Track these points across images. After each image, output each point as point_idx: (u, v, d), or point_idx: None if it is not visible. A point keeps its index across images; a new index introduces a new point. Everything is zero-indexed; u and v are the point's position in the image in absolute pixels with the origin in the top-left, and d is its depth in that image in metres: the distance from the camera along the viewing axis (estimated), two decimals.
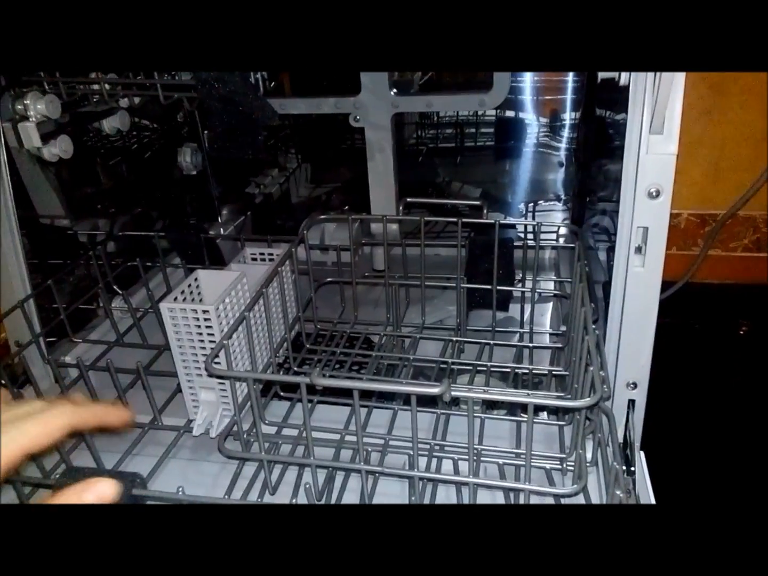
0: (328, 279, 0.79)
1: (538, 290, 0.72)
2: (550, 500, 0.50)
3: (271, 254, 0.72)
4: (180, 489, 0.44)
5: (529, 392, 0.62)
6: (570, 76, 0.97)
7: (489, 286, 0.72)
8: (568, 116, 1.01)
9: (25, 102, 0.69)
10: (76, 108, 0.79)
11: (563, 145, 1.03)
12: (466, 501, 0.49)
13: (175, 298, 0.58)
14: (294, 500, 0.51)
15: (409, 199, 0.78)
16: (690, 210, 1.18)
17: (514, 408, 0.63)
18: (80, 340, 0.76)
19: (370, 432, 0.58)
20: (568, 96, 1.00)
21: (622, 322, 0.54)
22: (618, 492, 0.42)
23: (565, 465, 0.53)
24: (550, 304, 0.87)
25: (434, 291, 0.84)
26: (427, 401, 0.60)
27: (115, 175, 0.92)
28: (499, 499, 0.51)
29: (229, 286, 0.59)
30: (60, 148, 0.73)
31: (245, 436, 0.54)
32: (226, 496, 0.51)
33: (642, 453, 0.54)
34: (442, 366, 0.68)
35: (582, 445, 0.48)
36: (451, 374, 0.68)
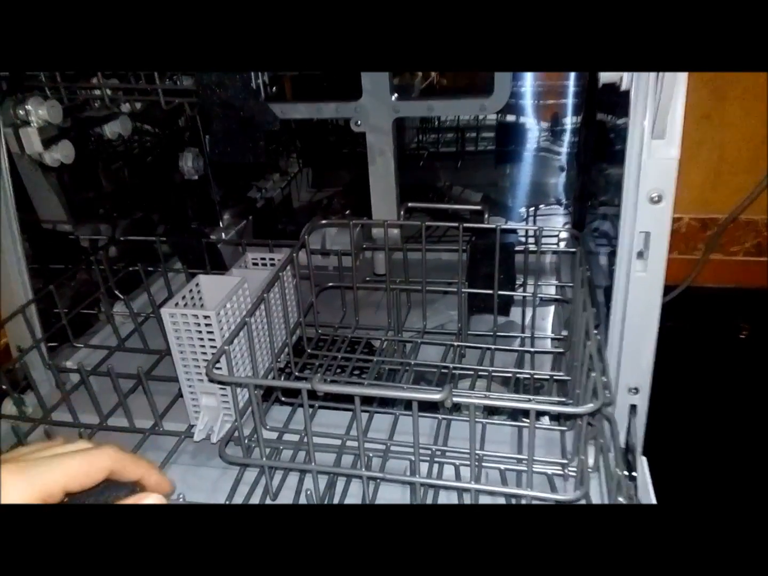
0: (330, 284, 0.79)
1: (539, 295, 0.72)
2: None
3: (273, 259, 0.72)
4: (181, 495, 0.44)
5: (531, 397, 0.62)
6: (571, 81, 0.98)
7: (490, 291, 0.72)
8: (569, 120, 1.01)
9: (26, 107, 0.69)
10: (78, 113, 0.79)
11: (564, 150, 1.04)
12: None
13: (176, 304, 0.58)
14: None
15: (410, 204, 0.78)
16: (691, 214, 1.19)
17: (515, 413, 0.63)
18: (81, 345, 0.76)
19: (371, 437, 0.58)
20: (569, 100, 1.00)
21: (623, 327, 0.54)
22: (620, 498, 0.42)
23: (566, 470, 0.53)
24: (552, 309, 0.87)
25: (435, 295, 0.84)
26: (429, 406, 0.60)
27: (117, 180, 0.92)
28: None
29: (230, 292, 0.59)
30: (61, 153, 0.73)
31: (246, 441, 0.54)
32: (227, 502, 0.51)
33: (644, 458, 0.54)
34: (443, 371, 0.68)
35: (584, 450, 0.48)
36: (453, 379, 0.68)
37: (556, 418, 0.61)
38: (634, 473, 0.52)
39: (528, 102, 1.03)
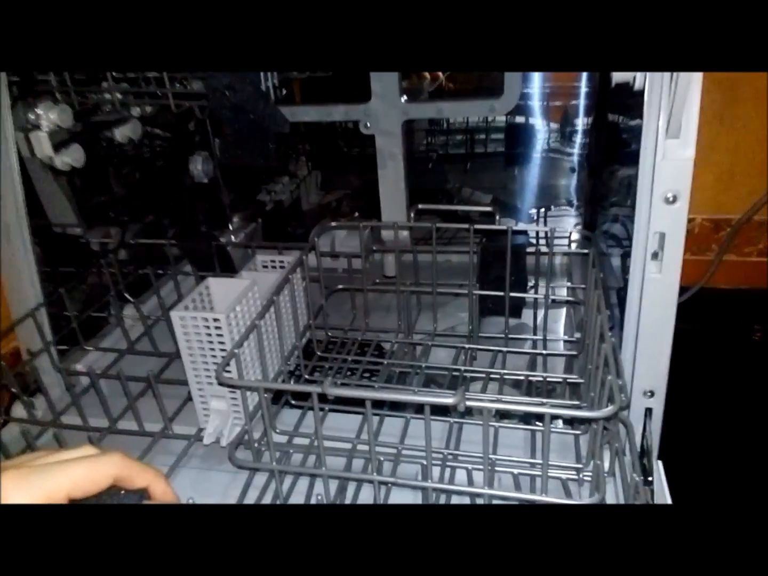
0: (339, 286, 0.79)
1: (551, 297, 0.71)
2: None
3: (282, 262, 0.71)
4: (190, 500, 0.44)
5: (544, 401, 0.61)
6: (582, 82, 0.97)
7: (501, 293, 0.71)
8: (580, 121, 1.00)
9: (37, 111, 0.70)
10: (88, 117, 0.79)
11: (575, 151, 1.03)
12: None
13: (186, 307, 0.58)
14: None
15: (420, 206, 0.78)
16: (704, 215, 1.17)
17: (528, 416, 0.62)
18: (91, 348, 0.76)
19: (382, 441, 0.57)
20: (580, 101, 0.99)
21: (638, 330, 0.53)
22: (637, 504, 0.41)
23: (581, 475, 0.52)
24: (563, 311, 0.86)
25: (446, 298, 0.83)
26: (441, 410, 0.59)
27: (127, 184, 0.92)
28: None
29: (240, 294, 0.59)
30: (72, 157, 0.73)
31: (256, 445, 0.53)
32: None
33: (660, 462, 0.53)
34: (454, 374, 0.67)
35: (599, 455, 0.47)
36: (464, 382, 0.67)
37: (569, 421, 0.60)
38: (650, 478, 0.51)
39: (538, 103, 1.02)
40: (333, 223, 0.76)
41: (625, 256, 0.60)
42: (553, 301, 0.74)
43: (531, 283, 0.76)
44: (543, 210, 1.07)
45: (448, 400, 0.41)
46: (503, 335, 0.72)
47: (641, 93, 0.50)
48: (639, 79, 0.56)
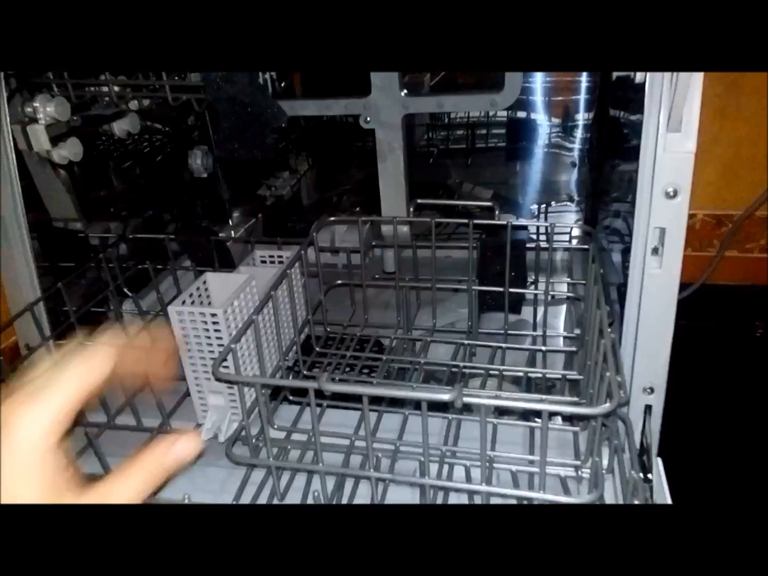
0: (338, 281, 0.78)
1: (551, 292, 0.71)
2: None
3: (281, 257, 0.71)
4: (186, 497, 0.44)
5: (543, 397, 0.60)
6: (583, 76, 0.96)
7: (501, 289, 0.71)
8: (581, 116, 1.00)
9: (34, 104, 0.69)
10: (86, 110, 0.79)
11: (576, 146, 1.02)
12: None
13: (184, 302, 0.58)
14: None
15: (419, 201, 0.77)
16: (705, 210, 1.17)
17: (527, 413, 0.62)
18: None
19: (380, 437, 0.57)
20: (581, 96, 0.98)
21: (638, 326, 0.53)
22: (636, 502, 0.41)
23: (580, 472, 0.51)
24: (563, 307, 0.85)
25: (445, 293, 0.83)
26: (439, 406, 0.59)
27: (126, 178, 0.92)
28: None
29: (238, 289, 0.58)
30: (69, 151, 0.73)
31: (254, 441, 0.53)
32: (234, 503, 0.50)
33: (659, 459, 0.53)
34: (453, 369, 0.67)
35: (598, 452, 0.47)
36: (463, 378, 0.67)
37: (568, 418, 0.60)
38: (649, 475, 0.51)
39: (539, 98, 1.01)
40: (332, 218, 0.76)
41: (626, 251, 0.60)
42: (553, 297, 0.74)
43: (531, 279, 0.75)
44: (543, 206, 1.07)
45: (445, 397, 0.40)
46: (503, 331, 0.72)
47: (642, 87, 0.49)
48: (640, 73, 0.56)
